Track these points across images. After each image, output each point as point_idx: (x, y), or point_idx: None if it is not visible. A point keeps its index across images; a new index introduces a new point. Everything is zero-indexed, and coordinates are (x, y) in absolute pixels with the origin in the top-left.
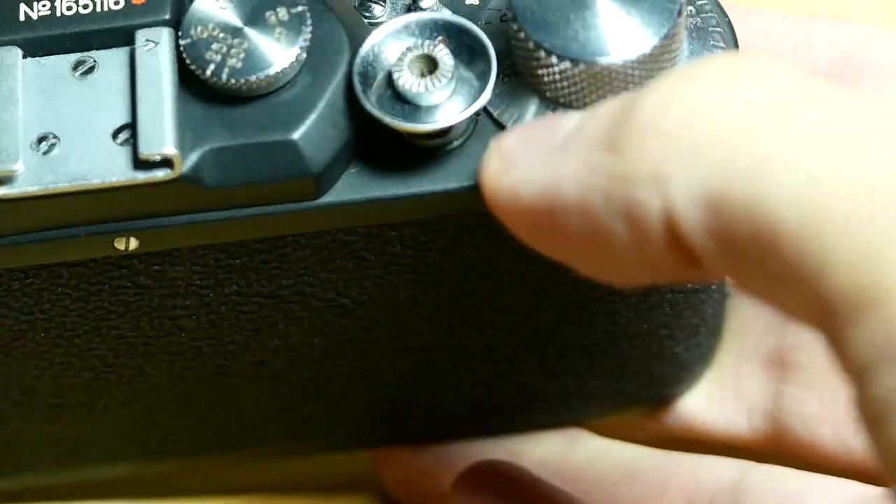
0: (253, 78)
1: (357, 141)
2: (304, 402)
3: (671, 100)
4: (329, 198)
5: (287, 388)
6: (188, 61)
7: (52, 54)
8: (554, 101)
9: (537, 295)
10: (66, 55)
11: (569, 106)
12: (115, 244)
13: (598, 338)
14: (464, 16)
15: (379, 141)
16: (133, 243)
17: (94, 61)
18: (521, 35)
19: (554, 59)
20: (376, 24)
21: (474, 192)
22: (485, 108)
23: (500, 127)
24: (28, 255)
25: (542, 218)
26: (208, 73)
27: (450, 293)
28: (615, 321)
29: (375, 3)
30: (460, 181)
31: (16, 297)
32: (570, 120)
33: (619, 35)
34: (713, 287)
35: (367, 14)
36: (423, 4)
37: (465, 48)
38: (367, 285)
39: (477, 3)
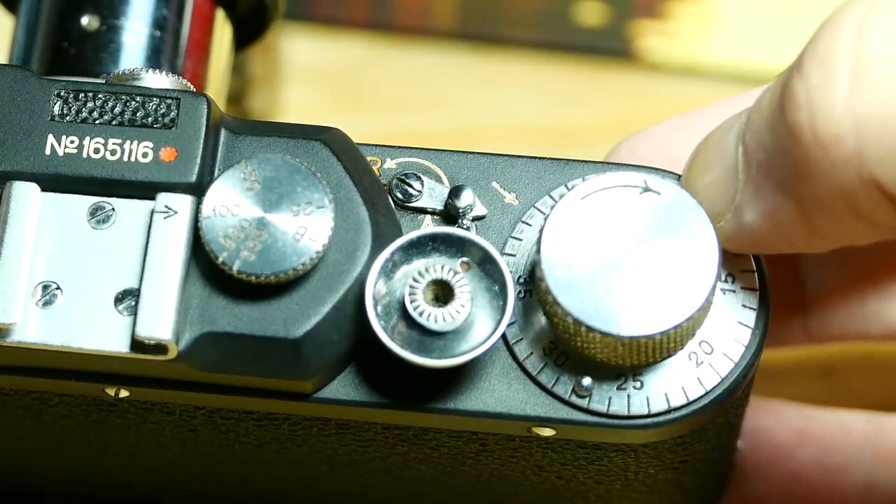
0: (262, 276)
1: (359, 344)
2: None
3: None
4: (322, 394)
5: None
6: (203, 240)
7: (71, 193)
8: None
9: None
10: (85, 196)
11: (577, 353)
12: (106, 390)
13: None
14: (498, 215)
15: (380, 346)
16: (123, 392)
17: (112, 210)
18: (543, 286)
19: (570, 320)
20: (406, 209)
21: (468, 417)
22: None
23: (506, 343)
24: (14, 382)
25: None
26: (220, 260)
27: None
28: None
29: (411, 185)
30: (455, 403)
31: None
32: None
33: (639, 309)
34: None
35: (401, 196)
36: (459, 203)
37: (486, 275)
38: (353, 450)
39: (516, 203)
